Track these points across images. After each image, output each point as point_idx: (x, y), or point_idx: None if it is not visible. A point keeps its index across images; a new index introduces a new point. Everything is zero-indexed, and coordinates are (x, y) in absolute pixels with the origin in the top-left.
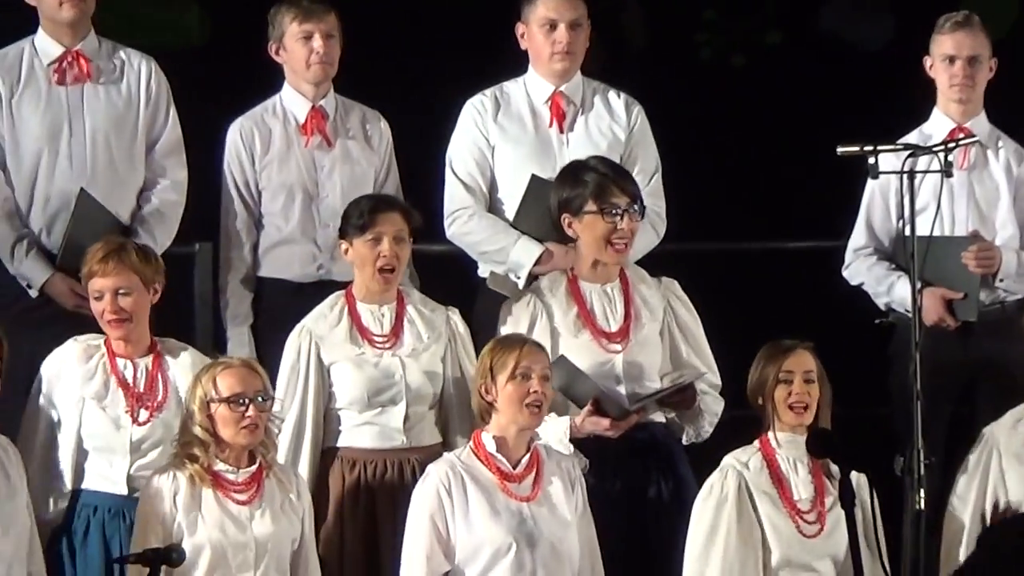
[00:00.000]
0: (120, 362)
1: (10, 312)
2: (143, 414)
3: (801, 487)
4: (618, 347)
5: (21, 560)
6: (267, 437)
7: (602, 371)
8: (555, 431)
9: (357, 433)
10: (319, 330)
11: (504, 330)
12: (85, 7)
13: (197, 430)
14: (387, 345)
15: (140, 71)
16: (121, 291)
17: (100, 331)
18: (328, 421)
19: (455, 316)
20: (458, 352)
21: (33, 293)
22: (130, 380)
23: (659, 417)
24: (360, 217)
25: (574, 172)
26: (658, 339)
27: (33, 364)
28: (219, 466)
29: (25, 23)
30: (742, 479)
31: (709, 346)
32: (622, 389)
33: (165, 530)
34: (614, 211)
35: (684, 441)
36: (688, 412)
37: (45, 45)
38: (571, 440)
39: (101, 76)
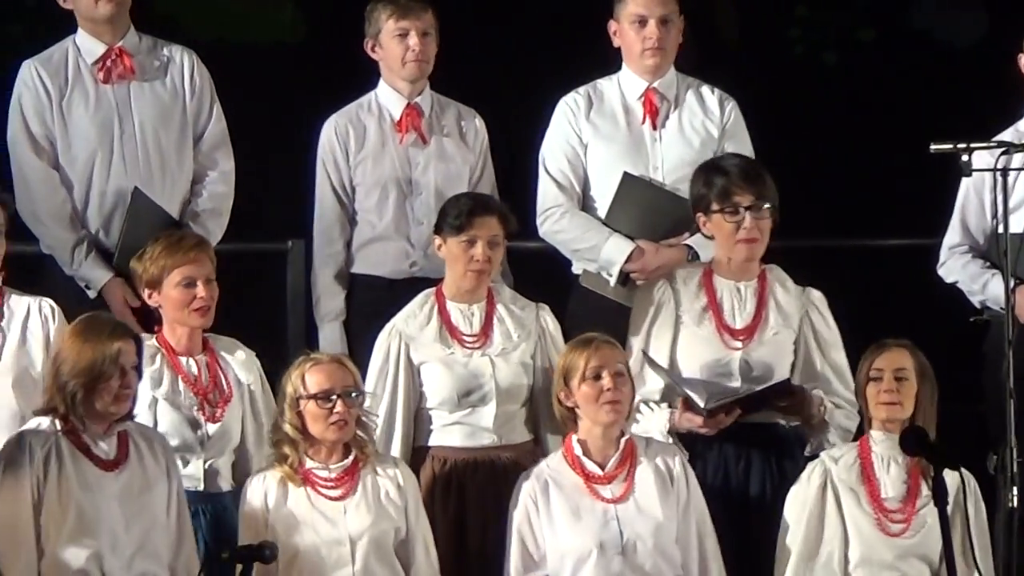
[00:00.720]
0: (182, 360)
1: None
2: (213, 410)
3: (891, 485)
4: (739, 344)
5: (149, 554)
6: (363, 431)
7: (719, 366)
8: (657, 423)
9: (447, 432)
10: (409, 330)
11: (634, 312)
12: (122, 2)
13: (287, 428)
14: (477, 345)
15: (183, 65)
16: (208, 280)
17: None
18: (419, 421)
19: (545, 312)
20: (548, 349)
21: (91, 295)
22: (194, 378)
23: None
24: (457, 217)
25: (705, 171)
26: (788, 346)
27: None
28: (310, 463)
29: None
30: (828, 475)
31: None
32: (736, 386)
33: (261, 530)
34: (737, 211)
35: (807, 452)
36: (815, 425)
37: (87, 44)
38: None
39: (145, 72)
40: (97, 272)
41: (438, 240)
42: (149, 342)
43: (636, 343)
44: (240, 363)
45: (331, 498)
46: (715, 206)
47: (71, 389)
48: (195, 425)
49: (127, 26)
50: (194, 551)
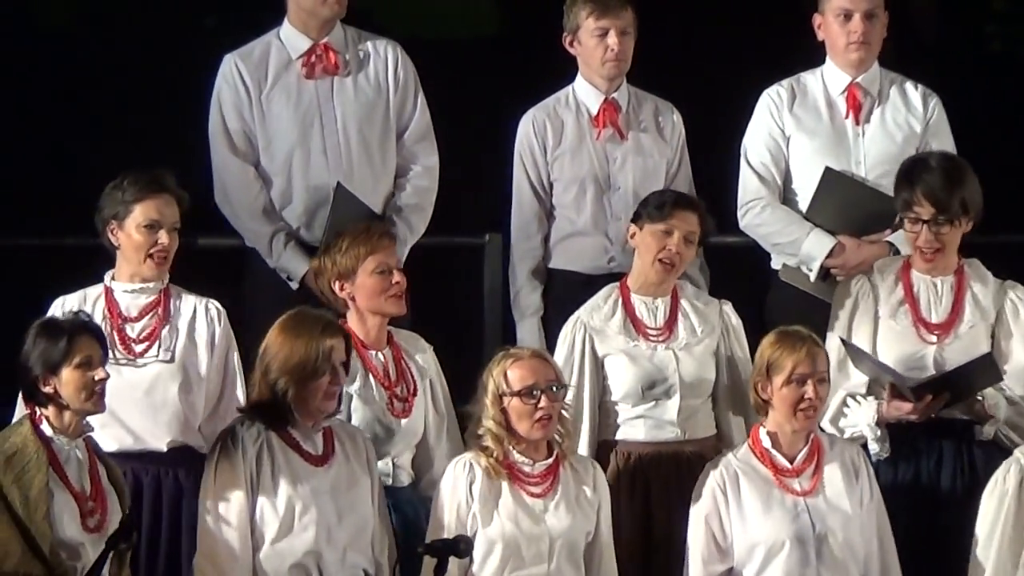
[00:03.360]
0: (371, 355)
1: (273, 309)
2: (402, 405)
3: None
4: (934, 339)
5: (359, 549)
6: (563, 426)
7: (913, 360)
8: (865, 416)
9: (632, 426)
10: (593, 322)
11: (833, 308)
12: (344, 2)
13: (491, 424)
14: (661, 338)
15: (387, 58)
16: (401, 268)
17: None
18: (603, 414)
19: (728, 308)
20: (731, 345)
21: (294, 285)
22: (382, 372)
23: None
24: (660, 207)
25: (904, 173)
26: (983, 340)
27: None
28: (515, 457)
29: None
30: None
31: None
32: None
33: (460, 520)
34: (916, 221)
35: (980, 436)
36: (978, 413)
37: (293, 39)
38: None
39: (348, 66)
40: (297, 263)
41: (633, 228)
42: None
43: (835, 337)
44: (422, 357)
45: (533, 494)
46: (903, 212)
47: (282, 386)
48: (385, 420)
49: (335, 22)
50: (393, 545)
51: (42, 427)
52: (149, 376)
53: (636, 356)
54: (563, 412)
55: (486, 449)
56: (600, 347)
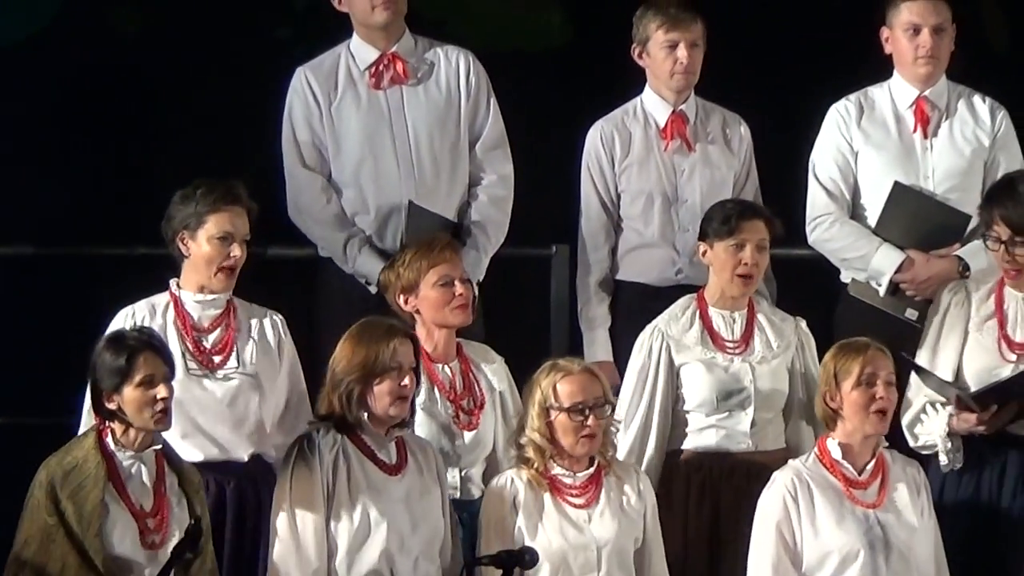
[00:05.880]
0: (437, 368)
1: (345, 321)
2: (468, 418)
3: None
4: (1014, 357)
5: (430, 558)
6: (604, 436)
7: (989, 376)
8: (938, 425)
9: (703, 436)
10: (672, 332)
11: (932, 311)
12: (397, 8)
13: (535, 436)
14: (738, 351)
15: (459, 66)
16: (463, 279)
17: None
18: (675, 424)
19: (803, 325)
20: (805, 360)
21: (372, 289)
22: (448, 385)
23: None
24: (725, 222)
25: (989, 194)
26: None
27: None
28: (556, 469)
29: (327, 27)
30: None
31: None
32: None
33: (507, 533)
34: (997, 241)
35: None
36: None
37: (361, 50)
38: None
39: (418, 75)
40: (374, 265)
41: (703, 246)
42: None
43: (925, 348)
44: (492, 369)
45: (576, 505)
46: (985, 230)
47: (346, 388)
48: (451, 434)
49: (402, 31)
50: (459, 556)
51: (107, 440)
52: (231, 388)
53: (712, 366)
54: (609, 427)
55: (527, 460)
56: (677, 357)
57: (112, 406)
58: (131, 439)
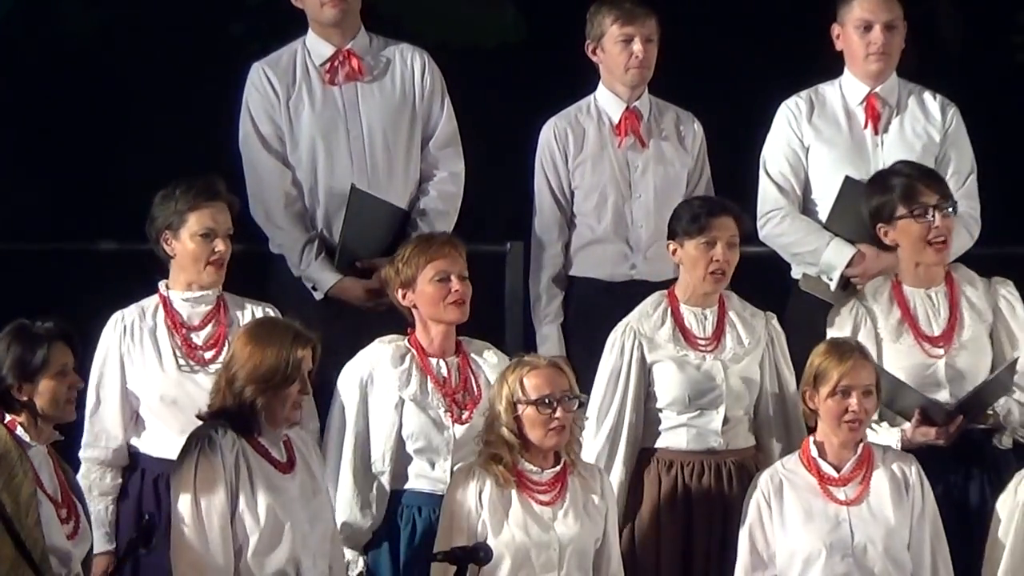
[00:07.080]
0: (432, 361)
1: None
2: (460, 412)
3: None
4: (940, 351)
5: (325, 556)
6: (571, 433)
7: (924, 376)
8: (889, 441)
9: (675, 435)
10: (644, 329)
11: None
12: (348, 6)
13: (504, 431)
14: (709, 348)
15: (413, 65)
16: (462, 276)
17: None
18: (647, 422)
19: (773, 320)
20: (776, 357)
21: (318, 296)
22: (444, 379)
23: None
24: (695, 220)
25: (881, 180)
26: (985, 342)
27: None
28: (524, 466)
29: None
30: None
31: None
32: (945, 394)
33: (470, 528)
34: (925, 210)
35: (998, 443)
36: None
37: (316, 46)
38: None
39: (374, 72)
40: (326, 274)
41: (673, 245)
42: (401, 343)
43: None
44: (491, 366)
45: (542, 502)
46: (901, 210)
47: (249, 395)
48: (442, 427)
49: (357, 28)
50: (342, 553)
51: (18, 432)
52: None
53: (684, 364)
54: (576, 422)
55: (495, 456)
56: (649, 354)
57: (23, 397)
58: (37, 430)
